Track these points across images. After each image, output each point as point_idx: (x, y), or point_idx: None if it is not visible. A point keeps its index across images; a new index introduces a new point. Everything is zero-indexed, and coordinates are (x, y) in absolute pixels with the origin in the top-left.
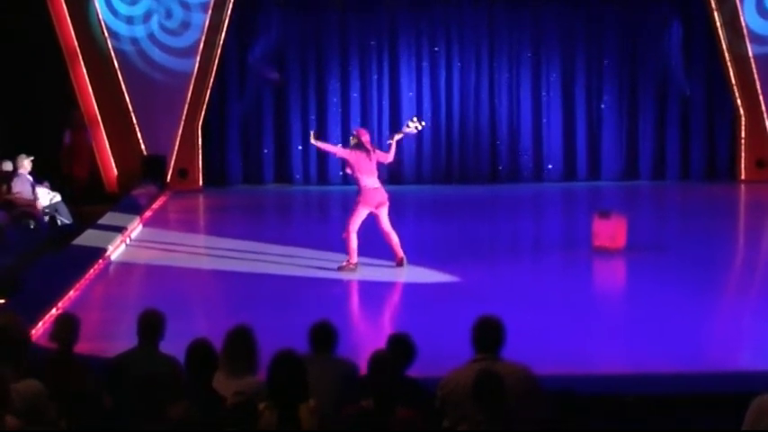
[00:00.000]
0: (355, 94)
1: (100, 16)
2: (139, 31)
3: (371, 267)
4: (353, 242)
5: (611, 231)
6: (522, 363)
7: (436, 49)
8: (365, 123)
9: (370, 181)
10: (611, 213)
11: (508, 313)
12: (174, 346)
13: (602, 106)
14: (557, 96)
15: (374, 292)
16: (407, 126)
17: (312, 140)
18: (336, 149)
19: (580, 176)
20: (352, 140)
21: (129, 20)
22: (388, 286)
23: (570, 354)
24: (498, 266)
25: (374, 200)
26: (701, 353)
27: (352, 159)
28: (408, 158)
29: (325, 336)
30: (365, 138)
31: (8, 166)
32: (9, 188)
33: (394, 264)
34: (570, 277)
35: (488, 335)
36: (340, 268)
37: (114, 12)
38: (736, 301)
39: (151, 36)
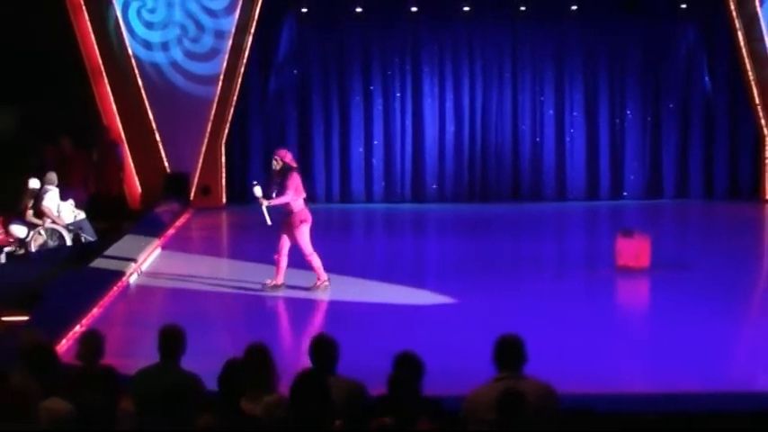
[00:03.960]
0: (378, 113)
1: (123, 35)
2: (160, 57)
3: (393, 289)
4: (317, 261)
5: (634, 250)
6: (544, 381)
7: (459, 68)
8: (388, 142)
9: (302, 200)
10: (634, 232)
11: (531, 331)
12: (195, 363)
13: (625, 124)
14: (579, 114)
15: (395, 313)
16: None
17: (264, 205)
18: (288, 194)
19: (603, 195)
20: (276, 164)
21: (148, 45)
22: (409, 306)
23: (592, 372)
24: (521, 285)
25: (308, 217)
26: (724, 372)
27: (298, 185)
28: (430, 177)
29: (324, 352)
30: (289, 157)
31: (35, 183)
32: (39, 204)
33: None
34: (593, 296)
35: (510, 353)
36: (314, 288)
37: (133, 33)
38: (760, 320)
39: (174, 62)
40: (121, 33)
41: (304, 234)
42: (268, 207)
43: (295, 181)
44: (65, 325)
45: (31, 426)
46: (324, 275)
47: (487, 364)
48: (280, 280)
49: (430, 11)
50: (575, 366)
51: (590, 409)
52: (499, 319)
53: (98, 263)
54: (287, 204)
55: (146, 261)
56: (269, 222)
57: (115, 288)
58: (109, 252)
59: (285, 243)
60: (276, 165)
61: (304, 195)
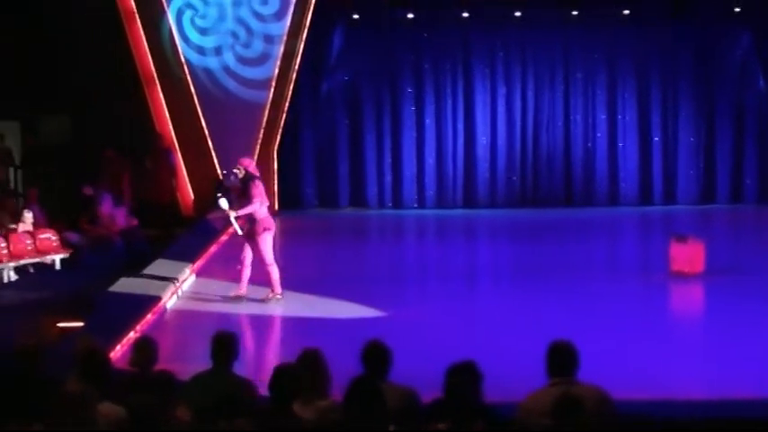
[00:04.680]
0: (429, 119)
1: (176, 43)
2: (213, 62)
3: (447, 294)
4: (275, 273)
5: (688, 256)
6: (598, 386)
7: (510, 73)
8: (439, 147)
9: (266, 208)
10: (688, 237)
11: (584, 337)
12: (247, 367)
13: (678, 129)
14: (632, 119)
15: (449, 317)
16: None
17: (232, 216)
18: (255, 202)
19: (656, 200)
20: (239, 173)
21: (201, 50)
22: (463, 310)
23: (647, 378)
24: (573, 290)
25: (272, 224)
26: None
27: (262, 192)
28: (482, 182)
29: (378, 358)
30: (252, 166)
31: (90, 190)
32: (96, 210)
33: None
34: (647, 302)
35: (563, 359)
36: (266, 300)
37: (187, 40)
38: None
39: (225, 65)
40: (175, 41)
41: (267, 242)
42: (236, 218)
43: (259, 189)
44: (119, 331)
45: (86, 429)
46: (278, 289)
47: (541, 369)
48: (243, 291)
49: (481, 16)
50: (629, 372)
51: (645, 416)
52: (552, 325)
53: (151, 269)
54: (254, 214)
55: (197, 268)
56: (240, 232)
57: (168, 294)
58: (162, 258)
59: (248, 253)
60: (239, 173)
61: (268, 203)
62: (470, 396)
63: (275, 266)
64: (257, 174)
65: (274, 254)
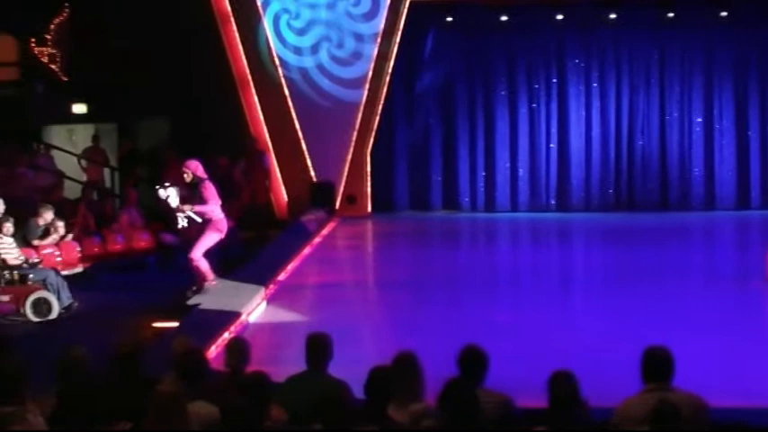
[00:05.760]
0: (523, 121)
1: (270, 45)
2: (308, 61)
3: (541, 299)
4: (204, 264)
5: None
6: (693, 393)
7: (605, 76)
8: (533, 150)
9: (219, 209)
10: None
11: (679, 343)
12: (343, 370)
13: None
14: (729, 122)
15: (542, 323)
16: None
17: (186, 212)
18: (211, 203)
19: (753, 204)
20: (187, 177)
21: (298, 50)
22: (556, 316)
23: (743, 385)
24: (668, 296)
25: (225, 228)
26: None
27: (215, 193)
28: (577, 186)
29: (475, 363)
30: (200, 170)
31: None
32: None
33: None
34: (744, 309)
35: (658, 365)
36: (195, 290)
37: (283, 41)
38: None
39: (320, 66)
40: (270, 46)
41: (209, 240)
42: (187, 216)
43: (211, 191)
44: (213, 332)
45: (180, 428)
46: (211, 275)
47: (635, 374)
48: (211, 277)
49: (575, 18)
50: (725, 379)
51: (741, 423)
52: (647, 330)
53: (246, 271)
54: (205, 213)
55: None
56: (184, 225)
57: (261, 296)
58: (256, 260)
59: (205, 247)
60: (186, 177)
61: (220, 202)
62: (573, 404)
63: (198, 262)
64: (205, 176)
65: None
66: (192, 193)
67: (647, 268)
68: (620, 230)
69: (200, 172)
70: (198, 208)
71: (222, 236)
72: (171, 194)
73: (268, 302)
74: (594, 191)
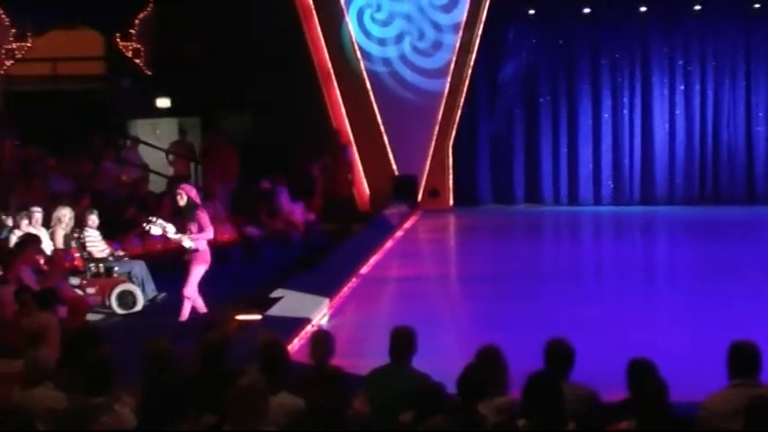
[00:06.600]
0: (606, 114)
1: (353, 38)
2: (392, 51)
3: (624, 293)
4: (188, 307)
5: None
6: None
7: (689, 68)
8: (616, 143)
9: (206, 241)
10: None
11: (766, 337)
12: (426, 363)
13: None
14: None
15: (626, 317)
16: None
17: (185, 242)
18: (209, 230)
19: None
20: (180, 199)
21: (382, 41)
22: (640, 309)
23: None
24: (754, 291)
25: (209, 258)
26: None
27: (208, 222)
28: (661, 179)
29: (561, 357)
30: (193, 193)
31: (267, 184)
32: (274, 205)
33: None
34: None
35: (745, 360)
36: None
37: (367, 33)
38: None
39: (403, 57)
40: (353, 41)
41: (198, 273)
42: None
43: (206, 218)
44: (296, 325)
45: (262, 420)
46: (184, 317)
47: (721, 369)
48: (203, 311)
49: (659, 10)
50: None
51: None
52: (733, 325)
53: (329, 264)
54: (199, 240)
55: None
56: (191, 246)
57: (345, 289)
58: (339, 254)
59: (196, 281)
60: (180, 200)
61: (213, 232)
62: (658, 397)
63: (191, 301)
64: (198, 202)
65: None
66: (184, 217)
67: (733, 262)
68: (704, 224)
69: (194, 195)
70: (196, 236)
71: (208, 266)
72: (165, 226)
73: (350, 296)
74: (679, 184)
